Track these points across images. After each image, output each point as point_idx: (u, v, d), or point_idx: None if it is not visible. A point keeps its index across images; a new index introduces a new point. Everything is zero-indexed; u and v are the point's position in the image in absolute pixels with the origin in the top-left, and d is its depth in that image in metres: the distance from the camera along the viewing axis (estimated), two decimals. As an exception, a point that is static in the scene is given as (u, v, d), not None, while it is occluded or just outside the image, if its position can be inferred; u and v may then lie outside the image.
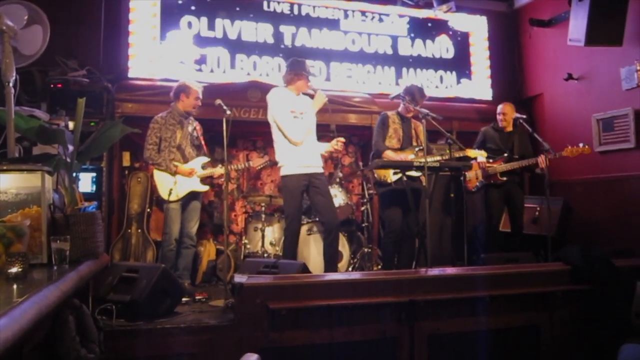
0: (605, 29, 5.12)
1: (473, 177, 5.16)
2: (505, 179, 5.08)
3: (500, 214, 5.19)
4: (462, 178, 5.24)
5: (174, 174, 4.43)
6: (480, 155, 4.98)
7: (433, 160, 4.52)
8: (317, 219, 4.97)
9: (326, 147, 4.41)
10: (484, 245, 5.07)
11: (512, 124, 5.27)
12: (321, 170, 4.41)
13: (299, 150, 4.26)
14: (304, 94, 4.44)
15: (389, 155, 4.65)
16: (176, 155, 4.49)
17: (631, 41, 5.26)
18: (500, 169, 5.06)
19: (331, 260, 4.36)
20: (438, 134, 5.31)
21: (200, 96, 4.58)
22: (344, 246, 5.05)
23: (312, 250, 5.03)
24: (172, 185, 4.39)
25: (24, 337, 1.40)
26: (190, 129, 4.61)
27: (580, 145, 4.91)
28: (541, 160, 4.88)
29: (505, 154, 5.13)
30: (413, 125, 4.87)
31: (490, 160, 5.10)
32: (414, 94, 4.68)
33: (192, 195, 4.55)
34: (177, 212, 4.46)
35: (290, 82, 4.37)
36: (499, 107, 5.33)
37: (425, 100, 4.79)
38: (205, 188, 4.62)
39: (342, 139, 4.36)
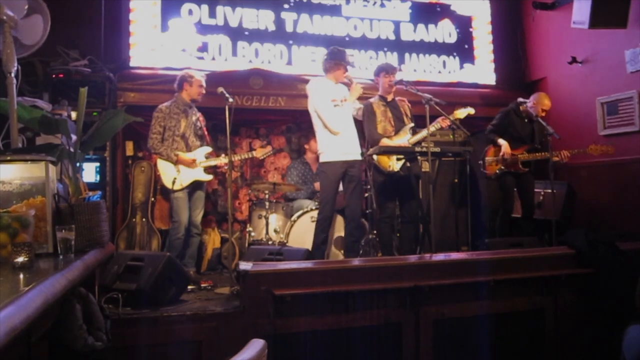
0: (609, 11, 5.06)
1: (493, 162, 5.06)
2: (527, 169, 5.02)
3: (513, 200, 5.17)
4: (481, 164, 5.16)
5: (175, 162, 4.45)
6: (503, 145, 4.94)
7: (434, 142, 4.50)
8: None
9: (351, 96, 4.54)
10: (491, 230, 5.05)
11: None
12: (359, 158, 4.56)
13: (339, 139, 4.41)
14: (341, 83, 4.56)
15: (386, 143, 4.53)
16: (180, 144, 4.50)
17: (636, 23, 5.19)
18: (523, 158, 4.97)
19: (351, 247, 4.50)
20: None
21: (204, 84, 4.61)
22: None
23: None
24: (176, 174, 4.42)
25: (31, 326, 1.42)
26: (194, 119, 4.62)
27: (603, 145, 4.90)
28: (564, 154, 4.83)
29: (537, 145, 5.03)
30: (399, 104, 4.77)
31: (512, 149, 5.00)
32: (385, 67, 4.70)
33: (197, 185, 4.58)
34: (184, 200, 4.50)
35: (330, 71, 4.53)
36: (537, 98, 5.09)
37: (397, 72, 4.76)
38: (209, 177, 4.64)
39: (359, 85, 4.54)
